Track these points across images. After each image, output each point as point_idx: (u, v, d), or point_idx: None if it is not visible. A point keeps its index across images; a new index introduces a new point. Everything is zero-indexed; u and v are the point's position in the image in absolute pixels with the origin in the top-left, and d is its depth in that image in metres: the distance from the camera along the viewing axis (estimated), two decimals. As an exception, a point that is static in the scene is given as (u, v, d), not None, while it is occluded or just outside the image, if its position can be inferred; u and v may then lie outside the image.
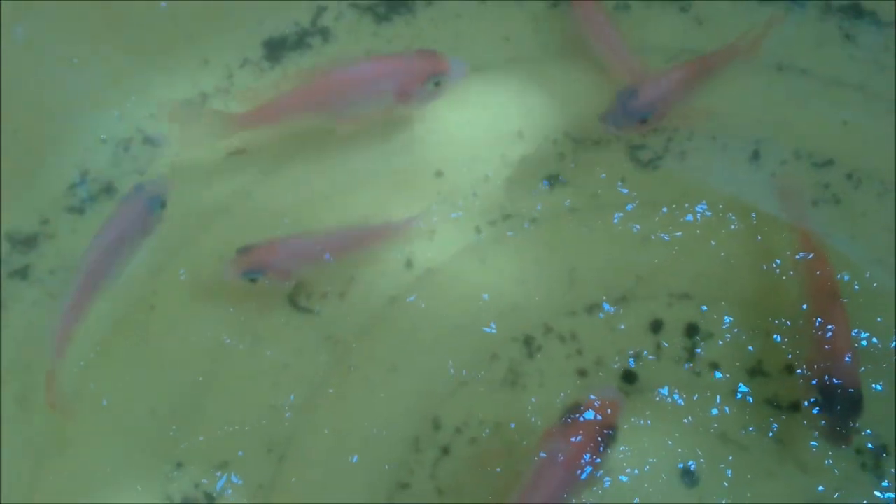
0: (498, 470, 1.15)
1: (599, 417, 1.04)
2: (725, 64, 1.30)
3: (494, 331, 1.23)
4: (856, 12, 1.41)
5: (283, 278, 1.21)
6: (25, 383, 1.21)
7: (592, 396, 1.06)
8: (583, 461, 1.03)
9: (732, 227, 1.28)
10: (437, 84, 1.25)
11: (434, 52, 1.26)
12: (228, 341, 1.23)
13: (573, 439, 1.03)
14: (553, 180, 1.31)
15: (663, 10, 1.42)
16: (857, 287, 1.23)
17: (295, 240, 1.23)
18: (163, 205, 1.21)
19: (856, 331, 1.18)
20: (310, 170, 1.32)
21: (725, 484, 1.15)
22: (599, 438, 1.03)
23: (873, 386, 1.18)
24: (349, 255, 1.25)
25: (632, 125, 1.24)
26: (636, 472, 1.15)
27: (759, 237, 1.27)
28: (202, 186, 1.32)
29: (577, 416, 1.04)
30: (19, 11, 1.34)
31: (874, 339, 1.20)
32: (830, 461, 1.15)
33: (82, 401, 1.20)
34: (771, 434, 1.17)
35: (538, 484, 1.03)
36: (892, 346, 1.20)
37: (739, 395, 1.19)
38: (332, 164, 1.32)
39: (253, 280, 1.19)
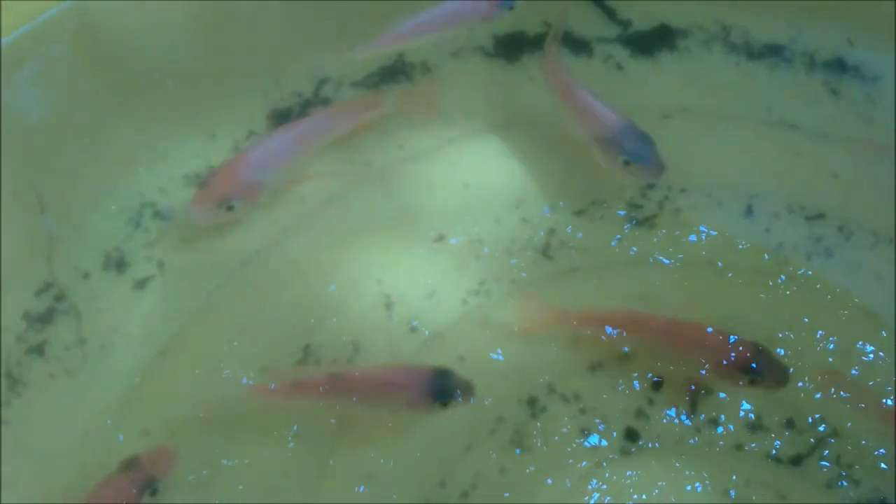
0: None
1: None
2: None
3: (499, 393, 1.25)
4: (840, 67, 1.45)
5: None
6: (48, 464, 1.22)
7: None
8: None
9: (731, 278, 1.31)
10: None
11: None
12: (239, 407, 1.25)
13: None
14: (552, 241, 1.35)
15: (655, 67, 1.46)
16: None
17: None
18: None
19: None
20: (319, 232, 1.37)
21: (730, 539, 1.16)
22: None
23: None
24: None
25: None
26: (642, 530, 1.17)
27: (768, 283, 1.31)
28: (209, 255, 1.36)
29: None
30: (31, 81, 1.38)
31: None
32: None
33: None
34: (773, 488, 1.18)
35: None
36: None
37: (741, 450, 1.21)
38: (333, 225, 1.37)
39: None
